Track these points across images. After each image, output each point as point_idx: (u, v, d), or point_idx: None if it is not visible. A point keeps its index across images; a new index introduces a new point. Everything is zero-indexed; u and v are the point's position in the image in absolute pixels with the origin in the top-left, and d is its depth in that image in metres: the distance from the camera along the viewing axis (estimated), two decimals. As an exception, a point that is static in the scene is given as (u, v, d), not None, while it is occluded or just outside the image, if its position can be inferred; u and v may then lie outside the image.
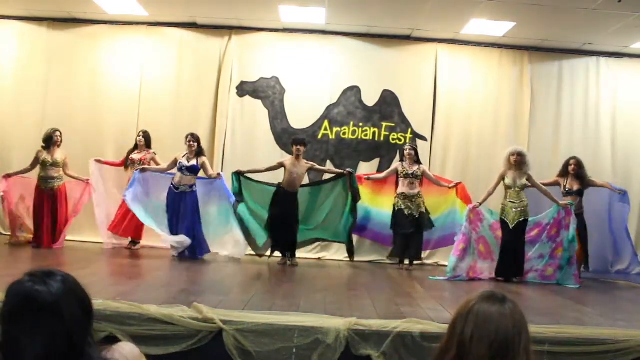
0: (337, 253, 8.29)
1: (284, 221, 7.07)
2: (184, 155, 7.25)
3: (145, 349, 3.30)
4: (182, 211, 7.09)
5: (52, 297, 1.40)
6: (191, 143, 7.23)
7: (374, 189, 7.76)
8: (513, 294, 5.36)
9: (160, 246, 7.44)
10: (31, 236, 7.35)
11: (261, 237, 7.23)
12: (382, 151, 8.51)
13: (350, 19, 8.06)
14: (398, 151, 8.44)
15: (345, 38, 8.54)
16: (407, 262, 7.38)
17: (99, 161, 7.68)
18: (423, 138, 8.38)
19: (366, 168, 8.45)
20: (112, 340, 3.30)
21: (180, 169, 7.19)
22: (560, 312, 4.97)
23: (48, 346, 1.37)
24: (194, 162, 7.19)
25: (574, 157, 7.46)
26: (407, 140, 8.41)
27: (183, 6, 7.94)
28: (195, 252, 7.07)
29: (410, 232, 7.18)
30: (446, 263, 8.17)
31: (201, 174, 7.35)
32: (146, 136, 7.75)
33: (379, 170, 8.32)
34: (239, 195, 7.18)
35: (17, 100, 8.43)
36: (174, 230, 7.09)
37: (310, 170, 7.39)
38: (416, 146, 7.63)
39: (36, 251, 6.94)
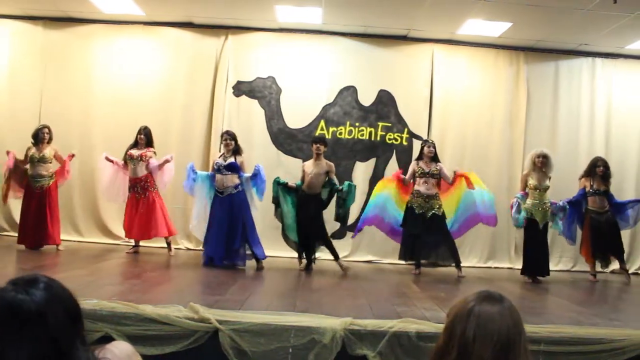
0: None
1: (308, 226, 6.80)
2: (220, 155, 6.81)
3: (141, 349, 3.30)
4: (231, 217, 6.56)
5: (36, 305, 1.37)
6: (227, 141, 6.71)
7: (401, 188, 7.33)
8: (509, 293, 5.37)
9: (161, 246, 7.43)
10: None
11: (293, 235, 6.97)
12: (379, 151, 8.51)
13: (347, 19, 8.06)
14: (394, 151, 8.47)
15: (342, 38, 8.53)
16: (459, 272, 6.95)
17: (108, 159, 7.35)
18: (419, 138, 8.37)
19: (362, 168, 8.46)
20: (108, 340, 3.30)
21: (218, 170, 6.64)
22: (555, 312, 4.99)
23: (34, 355, 1.35)
24: (231, 159, 6.67)
25: (601, 159, 7.51)
26: (404, 141, 8.44)
27: (179, 6, 7.92)
28: (256, 255, 6.63)
29: (417, 233, 6.94)
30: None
31: None
32: (147, 132, 7.32)
33: (375, 170, 8.41)
34: (276, 200, 6.90)
35: (12, 99, 8.39)
36: (211, 241, 6.64)
37: (327, 173, 6.93)
38: (434, 144, 7.30)
39: (32, 252, 6.90)
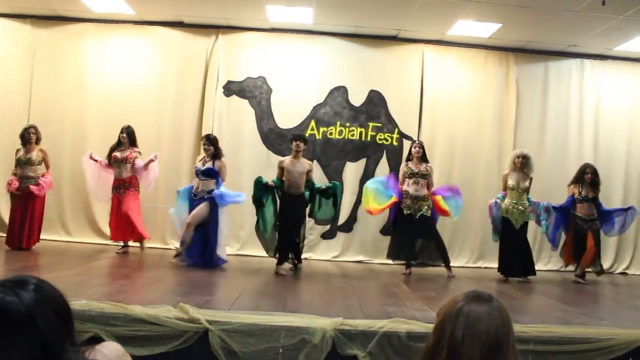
0: (323, 253, 8.31)
1: (288, 227, 6.62)
2: (201, 159, 6.86)
3: (130, 349, 3.27)
4: (202, 220, 6.64)
5: (25, 307, 1.34)
6: (206, 147, 6.76)
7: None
8: (498, 293, 5.40)
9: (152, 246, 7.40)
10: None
11: (273, 242, 6.82)
12: (369, 151, 8.53)
13: (338, 19, 8.07)
14: (385, 151, 8.49)
15: (333, 38, 8.54)
16: (449, 272, 6.96)
17: (92, 158, 7.30)
18: (409, 138, 8.40)
19: (353, 168, 8.47)
20: (97, 341, 3.28)
21: (196, 174, 6.76)
22: (544, 311, 5.02)
23: (25, 357, 1.33)
24: (209, 164, 6.71)
25: (589, 166, 7.48)
26: (394, 141, 8.47)
27: (170, 5, 7.89)
28: (211, 260, 6.57)
29: (407, 236, 6.94)
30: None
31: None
32: (129, 132, 7.31)
33: (366, 170, 8.43)
34: (259, 201, 6.74)
35: (1, 99, 8.31)
36: (193, 241, 6.66)
37: (308, 172, 6.81)
38: (422, 144, 7.28)
39: (20, 252, 6.83)
